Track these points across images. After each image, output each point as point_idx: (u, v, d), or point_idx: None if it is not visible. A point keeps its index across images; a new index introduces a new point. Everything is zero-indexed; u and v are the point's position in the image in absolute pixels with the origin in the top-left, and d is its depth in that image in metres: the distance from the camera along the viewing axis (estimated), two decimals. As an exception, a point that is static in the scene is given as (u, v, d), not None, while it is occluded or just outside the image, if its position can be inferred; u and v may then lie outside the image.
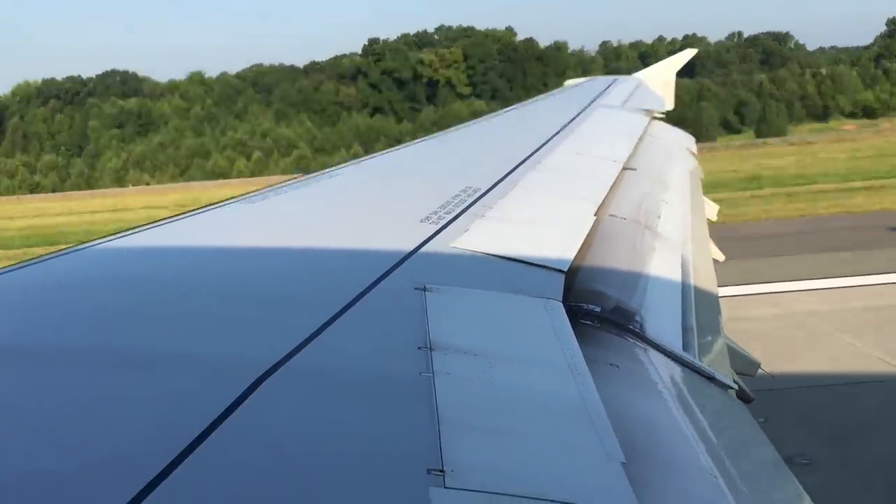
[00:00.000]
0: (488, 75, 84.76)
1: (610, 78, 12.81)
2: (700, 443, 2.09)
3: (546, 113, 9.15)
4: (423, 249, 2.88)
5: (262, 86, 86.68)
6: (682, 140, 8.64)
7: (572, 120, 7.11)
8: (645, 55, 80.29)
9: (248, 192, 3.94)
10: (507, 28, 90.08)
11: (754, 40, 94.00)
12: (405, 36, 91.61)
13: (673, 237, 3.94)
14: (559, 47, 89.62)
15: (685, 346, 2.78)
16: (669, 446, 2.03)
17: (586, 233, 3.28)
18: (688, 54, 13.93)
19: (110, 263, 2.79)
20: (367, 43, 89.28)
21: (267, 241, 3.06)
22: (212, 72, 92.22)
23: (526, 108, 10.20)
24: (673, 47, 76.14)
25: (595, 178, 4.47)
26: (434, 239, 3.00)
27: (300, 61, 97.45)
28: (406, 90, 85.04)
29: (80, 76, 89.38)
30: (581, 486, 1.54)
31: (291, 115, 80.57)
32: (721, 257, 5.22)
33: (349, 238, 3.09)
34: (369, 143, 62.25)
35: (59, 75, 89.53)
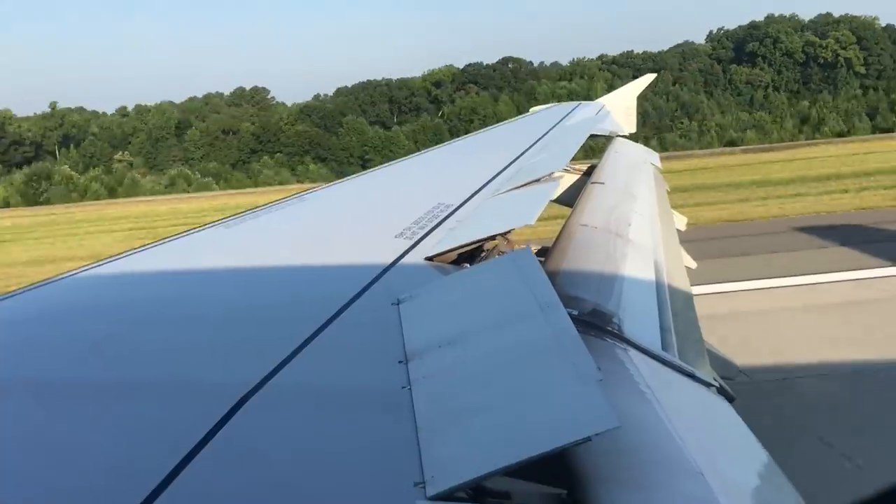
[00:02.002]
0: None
1: (573, 104, 13.10)
2: (685, 440, 2.08)
3: (510, 137, 9.31)
4: (398, 264, 2.90)
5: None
6: (645, 156, 8.81)
7: (533, 145, 7.24)
8: None
9: (230, 216, 4.03)
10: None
11: None
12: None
13: (644, 244, 3.98)
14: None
15: (664, 346, 2.79)
16: (656, 444, 2.03)
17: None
18: (647, 79, 14.30)
19: (90, 291, 2.83)
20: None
21: (248, 261, 3.12)
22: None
23: (491, 132, 10.44)
24: None
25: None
26: (408, 253, 3.02)
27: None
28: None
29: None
30: (561, 420, 1.55)
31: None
32: (693, 265, 5.28)
33: (327, 256, 3.13)
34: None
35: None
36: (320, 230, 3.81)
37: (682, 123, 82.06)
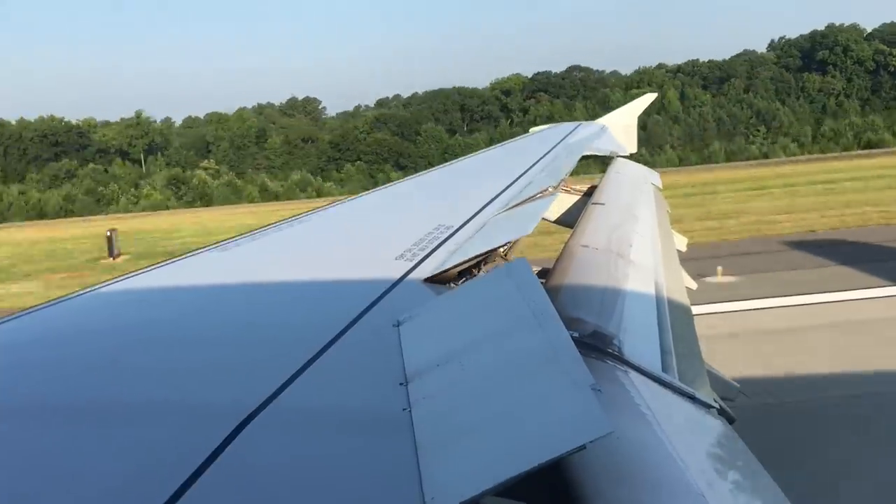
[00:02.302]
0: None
1: (574, 124, 13.15)
2: (687, 462, 2.08)
3: (510, 157, 9.35)
4: (399, 285, 2.90)
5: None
6: (646, 175, 8.83)
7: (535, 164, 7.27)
8: None
9: (231, 237, 4.03)
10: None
11: None
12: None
13: (645, 265, 3.99)
14: None
15: (664, 368, 2.79)
16: (657, 466, 2.02)
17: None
18: (648, 99, 14.36)
19: (87, 313, 2.83)
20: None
21: (250, 283, 3.13)
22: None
23: (491, 153, 10.47)
24: None
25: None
26: (409, 275, 3.03)
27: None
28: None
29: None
30: (556, 429, 1.55)
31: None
32: (693, 286, 5.28)
33: (329, 278, 3.15)
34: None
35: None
36: (321, 252, 3.81)
37: (757, 131, 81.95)
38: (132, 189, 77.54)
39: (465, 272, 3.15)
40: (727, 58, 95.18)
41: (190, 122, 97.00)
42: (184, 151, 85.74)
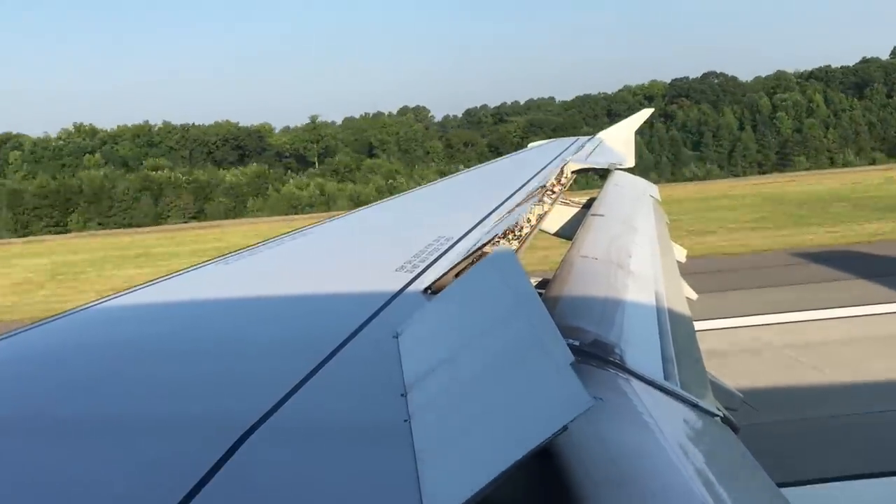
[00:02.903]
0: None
1: (572, 138, 13.22)
2: (690, 470, 2.07)
3: (512, 169, 9.40)
4: (399, 297, 2.91)
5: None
6: (645, 188, 8.85)
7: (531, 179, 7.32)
8: None
9: (233, 252, 4.07)
10: None
11: None
12: None
13: (645, 275, 3.99)
14: None
15: (666, 377, 2.78)
16: (660, 474, 2.01)
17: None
18: (645, 113, 14.43)
19: (83, 331, 2.83)
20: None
21: (251, 296, 3.14)
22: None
23: (488, 167, 10.56)
24: None
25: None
26: (409, 286, 3.03)
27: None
28: None
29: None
30: (540, 415, 1.56)
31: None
32: (694, 296, 5.27)
33: (330, 291, 3.16)
34: None
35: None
36: (322, 265, 3.82)
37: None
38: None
39: (460, 274, 3.16)
40: (851, 64, 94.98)
41: (349, 124, 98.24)
42: (352, 154, 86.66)
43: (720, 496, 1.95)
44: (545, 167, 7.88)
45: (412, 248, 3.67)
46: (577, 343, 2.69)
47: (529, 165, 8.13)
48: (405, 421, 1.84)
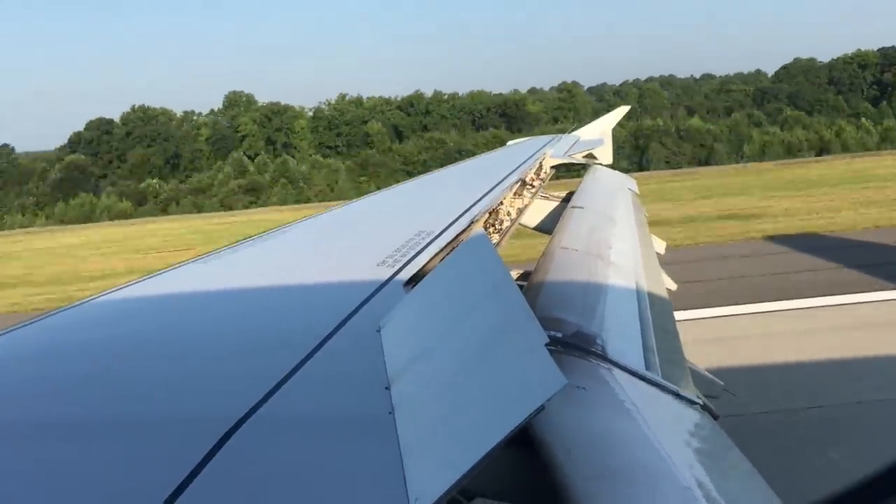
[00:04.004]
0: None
1: (550, 136, 13.29)
2: (672, 457, 2.09)
3: (491, 166, 9.44)
4: (381, 292, 2.91)
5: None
6: (623, 182, 8.92)
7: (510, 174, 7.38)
8: None
9: (214, 249, 4.04)
10: None
11: None
12: None
13: (625, 266, 4.02)
14: None
15: (647, 366, 2.80)
16: (643, 461, 2.03)
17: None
18: (622, 111, 14.53)
19: (65, 331, 2.80)
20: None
21: (231, 293, 3.14)
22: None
23: (468, 164, 10.61)
24: None
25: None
26: (390, 281, 3.04)
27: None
28: None
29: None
30: (515, 397, 1.57)
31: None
32: (673, 286, 5.32)
33: (311, 287, 3.16)
34: None
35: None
36: (303, 262, 3.81)
37: None
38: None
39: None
40: None
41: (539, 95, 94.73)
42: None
43: (702, 482, 1.98)
44: (524, 162, 7.91)
45: (393, 244, 3.67)
46: (559, 335, 2.71)
47: (508, 161, 8.16)
48: (389, 413, 1.84)
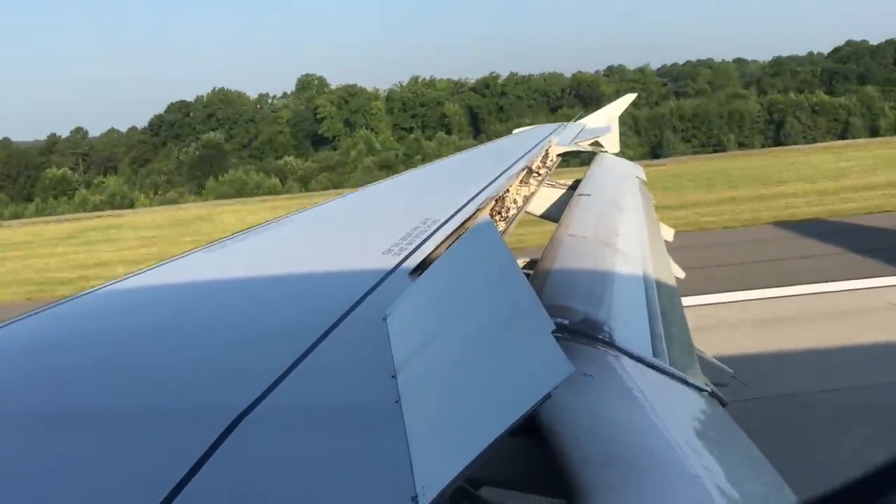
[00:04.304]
0: None
1: (556, 124, 13.24)
2: (681, 444, 2.08)
3: (496, 154, 9.42)
4: (387, 280, 2.90)
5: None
6: (630, 169, 8.88)
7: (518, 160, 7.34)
8: None
9: (222, 238, 4.07)
10: None
11: None
12: None
13: (632, 253, 3.99)
14: None
15: (655, 354, 2.79)
16: (652, 449, 2.02)
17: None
18: (628, 98, 14.45)
19: (75, 320, 2.81)
20: None
21: (238, 282, 3.15)
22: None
23: (478, 150, 10.57)
24: None
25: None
26: (397, 269, 3.03)
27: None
28: None
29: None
30: (522, 385, 1.56)
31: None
32: (682, 274, 5.30)
33: (318, 276, 3.16)
34: None
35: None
36: (309, 251, 3.81)
37: None
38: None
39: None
40: None
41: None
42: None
43: (711, 469, 1.97)
44: (530, 150, 7.87)
45: (399, 232, 3.66)
46: (566, 322, 2.69)
47: (515, 149, 8.12)
48: (396, 402, 1.83)
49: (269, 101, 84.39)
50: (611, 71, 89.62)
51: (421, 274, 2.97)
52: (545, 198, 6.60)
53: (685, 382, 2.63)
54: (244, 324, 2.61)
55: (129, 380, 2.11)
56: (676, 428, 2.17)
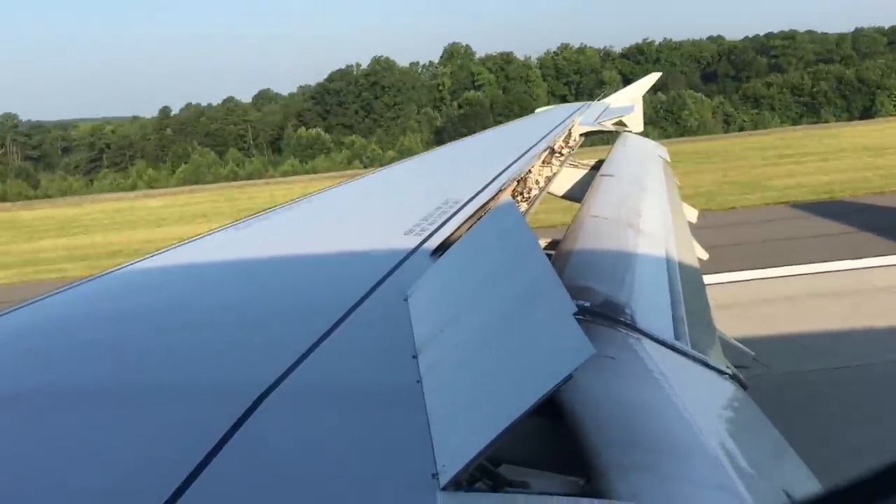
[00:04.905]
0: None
1: (580, 103, 13.09)
2: (701, 426, 2.08)
3: (516, 135, 9.35)
4: (408, 260, 2.91)
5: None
6: (654, 149, 8.77)
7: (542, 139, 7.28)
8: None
9: (247, 216, 4.13)
10: None
11: None
12: None
13: (655, 234, 3.96)
14: None
15: (677, 336, 2.78)
16: (672, 431, 2.02)
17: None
18: (652, 78, 14.23)
19: (97, 300, 2.85)
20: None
21: (261, 262, 3.18)
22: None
23: (496, 131, 10.50)
24: None
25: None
26: (418, 249, 3.03)
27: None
28: None
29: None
30: (543, 365, 1.57)
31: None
32: (705, 256, 5.25)
33: (339, 256, 3.18)
34: None
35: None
36: (332, 231, 3.83)
37: None
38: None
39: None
40: None
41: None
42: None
43: (731, 451, 1.96)
44: (553, 130, 7.80)
45: (421, 212, 3.66)
46: (587, 304, 2.69)
47: (537, 129, 8.06)
48: (417, 382, 1.84)
49: (419, 69, 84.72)
50: (756, 39, 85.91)
51: (442, 254, 2.97)
52: (567, 178, 6.56)
53: (706, 365, 2.62)
54: (268, 302, 2.63)
55: (154, 357, 2.15)
56: (697, 411, 2.16)
